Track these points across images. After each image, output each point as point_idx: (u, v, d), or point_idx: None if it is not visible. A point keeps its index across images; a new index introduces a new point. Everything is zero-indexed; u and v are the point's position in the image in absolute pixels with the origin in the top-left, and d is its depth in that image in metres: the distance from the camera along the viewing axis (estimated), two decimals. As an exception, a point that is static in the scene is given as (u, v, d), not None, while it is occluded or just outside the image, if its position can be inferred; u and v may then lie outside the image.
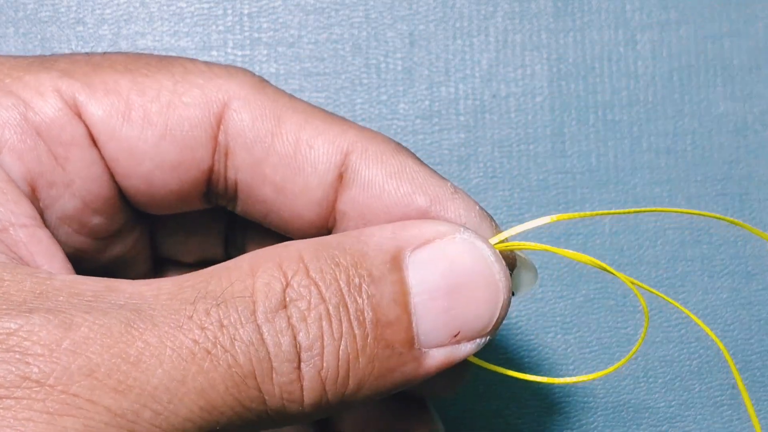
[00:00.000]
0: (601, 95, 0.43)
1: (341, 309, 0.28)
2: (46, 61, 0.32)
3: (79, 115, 0.32)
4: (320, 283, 0.28)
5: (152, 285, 0.28)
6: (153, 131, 0.32)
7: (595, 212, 0.36)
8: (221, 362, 0.27)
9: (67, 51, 0.43)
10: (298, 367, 0.28)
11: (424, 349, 0.29)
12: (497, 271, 0.30)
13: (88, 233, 0.33)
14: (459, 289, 0.29)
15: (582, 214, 0.34)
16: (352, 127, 0.33)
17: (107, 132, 0.32)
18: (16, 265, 0.28)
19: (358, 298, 0.28)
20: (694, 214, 0.34)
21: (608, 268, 0.32)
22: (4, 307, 0.26)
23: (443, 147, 0.42)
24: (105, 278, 0.28)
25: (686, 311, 0.34)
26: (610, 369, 0.34)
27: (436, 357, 0.29)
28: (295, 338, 0.28)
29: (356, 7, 0.43)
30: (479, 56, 0.43)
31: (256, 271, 0.28)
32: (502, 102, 0.43)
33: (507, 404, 0.42)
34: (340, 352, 0.28)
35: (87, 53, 0.33)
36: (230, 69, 0.33)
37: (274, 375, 0.27)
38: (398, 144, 0.33)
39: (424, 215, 0.32)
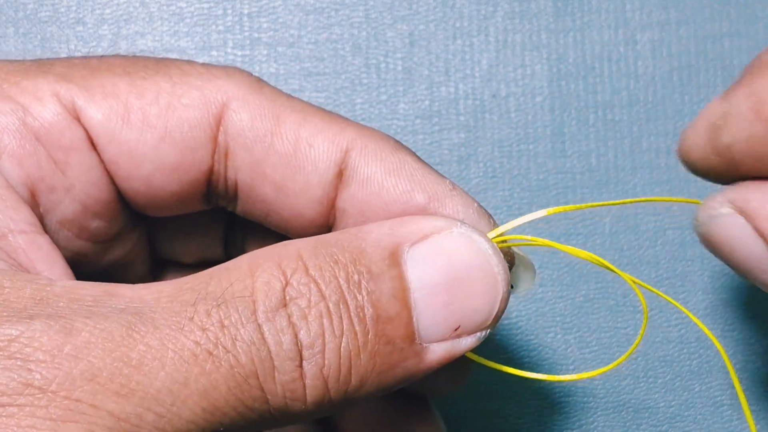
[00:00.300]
0: (601, 95, 0.43)
1: (341, 306, 0.28)
2: (43, 65, 0.32)
3: (78, 119, 0.32)
4: (320, 281, 0.28)
5: (152, 288, 0.28)
6: (152, 133, 0.32)
7: (591, 204, 0.36)
8: (223, 363, 0.27)
9: (66, 51, 0.43)
10: (300, 366, 0.28)
11: (424, 344, 0.29)
12: (495, 264, 0.30)
13: (88, 237, 0.33)
14: (458, 283, 0.29)
15: (578, 206, 0.34)
16: (351, 124, 0.33)
17: (106, 135, 0.32)
18: (15, 271, 0.28)
19: (357, 295, 0.28)
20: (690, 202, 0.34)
21: (607, 264, 0.32)
22: (5, 314, 0.26)
23: (443, 147, 0.42)
24: (105, 283, 0.28)
25: (686, 311, 0.34)
26: (611, 366, 0.34)
27: (437, 351, 0.29)
28: (296, 336, 0.28)
29: (356, 7, 0.43)
30: (479, 56, 0.43)
31: (255, 270, 0.28)
32: (502, 102, 0.43)
33: (507, 404, 0.42)
34: (342, 349, 0.28)
35: (84, 56, 0.33)
36: (228, 70, 0.33)
37: (276, 374, 0.27)
38: (397, 141, 0.33)
39: (422, 212, 0.32)
